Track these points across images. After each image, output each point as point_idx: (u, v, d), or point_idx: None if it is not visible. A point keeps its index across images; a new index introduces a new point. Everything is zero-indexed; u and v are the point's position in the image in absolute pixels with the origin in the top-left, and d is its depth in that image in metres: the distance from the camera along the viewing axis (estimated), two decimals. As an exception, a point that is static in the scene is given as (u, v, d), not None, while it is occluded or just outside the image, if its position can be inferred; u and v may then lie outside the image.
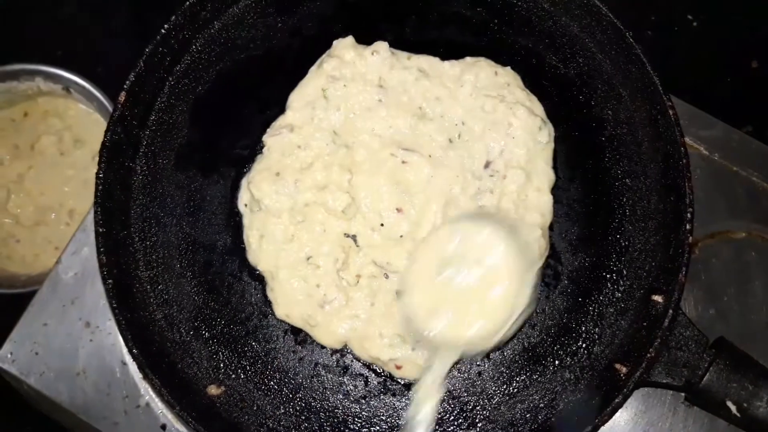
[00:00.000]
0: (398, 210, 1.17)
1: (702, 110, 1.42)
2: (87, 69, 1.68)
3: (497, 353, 1.17)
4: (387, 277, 1.15)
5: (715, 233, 1.34)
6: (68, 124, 1.70)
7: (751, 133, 1.46)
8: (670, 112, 1.16)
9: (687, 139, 1.17)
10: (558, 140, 1.22)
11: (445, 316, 1.07)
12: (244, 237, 1.18)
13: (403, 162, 1.18)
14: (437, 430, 1.13)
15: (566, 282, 1.19)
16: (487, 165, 1.19)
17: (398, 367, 1.14)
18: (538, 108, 1.22)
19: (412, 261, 1.11)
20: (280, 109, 1.22)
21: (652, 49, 1.20)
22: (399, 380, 1.15)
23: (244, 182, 1.20)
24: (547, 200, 1.18)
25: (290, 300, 1.14)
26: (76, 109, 1.71)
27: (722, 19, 1.89)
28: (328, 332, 1.14)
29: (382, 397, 1.14)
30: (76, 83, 1.63)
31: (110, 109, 1.58)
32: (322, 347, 1.16)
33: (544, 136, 1.19)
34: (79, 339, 1.24)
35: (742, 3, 1.89)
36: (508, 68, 1.24)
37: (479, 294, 1.07)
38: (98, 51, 1.80)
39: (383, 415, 1.14)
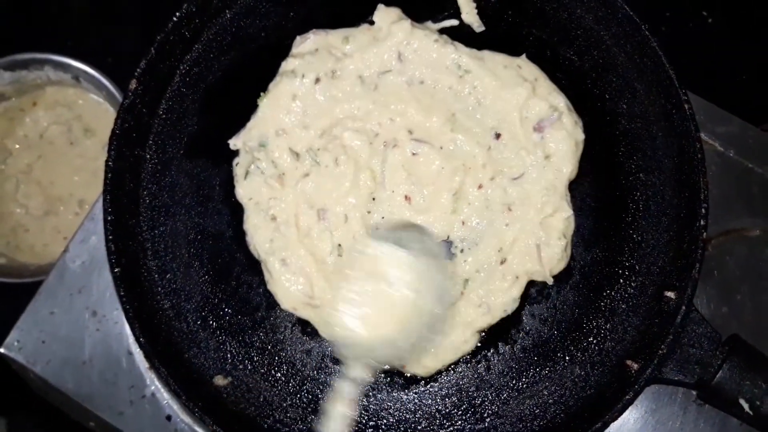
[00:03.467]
0: (406, 198, 1.16)
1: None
2: (97, 58, 1.67)
3: (507, 347, 1.15)
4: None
5: (729, 231, 1.32)
6: (77, 114, 1.70)
7: (767, 130, 1.43)
8: (686, 106, 1.14)
9: (702, 135, 1.15)
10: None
11: (351, 323, 1.01)
12: (244, 226, 1.17)
13: (414, 154, 1.17)
14: (446, 424, 1.12)
15: (578, 277, 1.18)
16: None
17: (403, 367, 1.13)
18: (565, 100, 1.21)
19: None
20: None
21: (666, 45, 1.17)
22: (406, 374, 1.14)
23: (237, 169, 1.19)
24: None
25: (286, 293, 1.13)
26: (85, 99, 1.70)
27: (737, 16, 1.87)
28: (326, 326, 1.13)
29: (389, 390, 1.13)
30: (85, 72, 1.62)
31: (120, 98, 1.57)
32: (331, 339, 1.15)
33: (580, 132, 1.18)
34: (86, 328, 1.24)
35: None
36: (524, 57, 1.22)
37: (385, 307, 1.01)
38: (108, 40, 1.79)
39: (390, 408, 1.13)
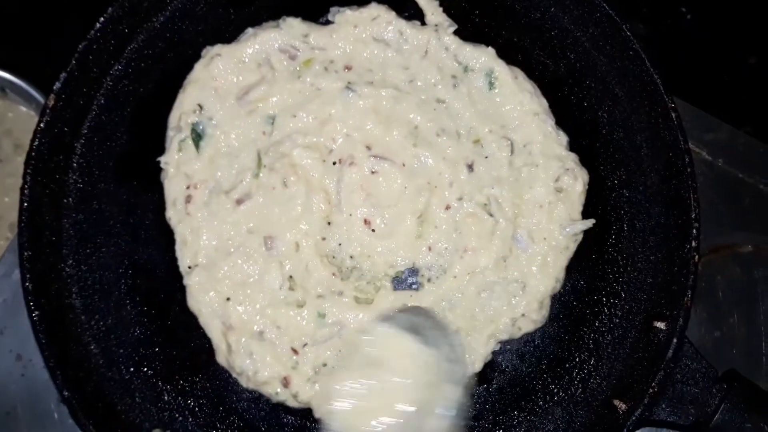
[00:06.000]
0: (366, 222, 1.07)
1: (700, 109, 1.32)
2: (34, 69, 1.53)
3: (481, 388, 1.04)
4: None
5: (719, 247, 1.26)
6: (7, 129, 1.57)
7: (749, 133, 1.35)
8: (673, 114, 1.06)
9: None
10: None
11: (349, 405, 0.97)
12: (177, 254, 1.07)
13: (373, 172, 1.07)
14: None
15: (558, 306, 1.10)
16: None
17: (287, 382, 1.02)
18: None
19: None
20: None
21: (643, 44, 1.09)
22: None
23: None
24: None
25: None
26: (14, 112, 1.57)
27: (718, 12, 1.78)
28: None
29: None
30: (11, 83, 1.49)
31: (52, 111, 1.43)
32: (282, 384, 1.04)
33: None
34: (10, 374, 1.16)
35: (738, -6, 1.79)
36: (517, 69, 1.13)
37: (384, 399, 0.97)
38: (46, 49, 1.65)
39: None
